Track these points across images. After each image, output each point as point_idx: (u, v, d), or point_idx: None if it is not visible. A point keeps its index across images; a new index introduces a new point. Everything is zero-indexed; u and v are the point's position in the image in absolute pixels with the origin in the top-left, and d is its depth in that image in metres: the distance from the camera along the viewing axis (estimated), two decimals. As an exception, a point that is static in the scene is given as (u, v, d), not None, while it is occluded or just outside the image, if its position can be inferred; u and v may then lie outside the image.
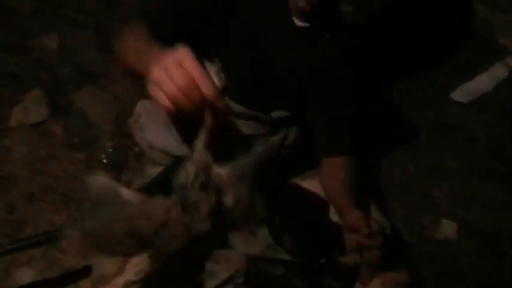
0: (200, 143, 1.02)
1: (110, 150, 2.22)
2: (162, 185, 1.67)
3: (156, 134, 1.82)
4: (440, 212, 2.27)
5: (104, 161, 2.21)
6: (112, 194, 1.05)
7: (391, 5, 2.72)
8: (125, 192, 1.05)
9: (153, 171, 1.84)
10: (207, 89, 0.97)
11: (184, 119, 1.02)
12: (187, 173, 1.02)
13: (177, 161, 1.22)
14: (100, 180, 1.06)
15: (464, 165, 2.36)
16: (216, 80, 1.03)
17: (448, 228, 2.23)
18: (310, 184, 1.79)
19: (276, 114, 1.72)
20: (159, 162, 1.85)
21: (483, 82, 2.54)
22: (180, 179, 1.03)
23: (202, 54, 1.47)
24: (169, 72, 0.97)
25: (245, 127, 1.69)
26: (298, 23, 1.57)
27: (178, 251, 1.04)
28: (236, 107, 1.66)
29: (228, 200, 1.07)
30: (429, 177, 2.33)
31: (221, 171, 1.04)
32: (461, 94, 2.50)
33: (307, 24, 1.57)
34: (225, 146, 1.07)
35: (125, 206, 1.04)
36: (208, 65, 1.02)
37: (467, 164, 2.36)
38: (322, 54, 1.63)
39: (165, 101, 0.97)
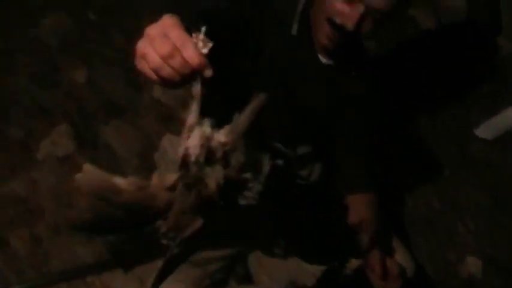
0: (193, 115, 0.98)
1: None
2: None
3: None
4: (465, 249, 2.25)
5: (130, 195, 2.23)
6: (106, 186, 1.01)
7: (416, 40, 2.74)
8: (119, 181, 1.00)
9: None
10: (190, 56, 0.93)
11: (173, 88, 0.99)
12: (187, 149, 0.97)
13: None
14: (90, 174, 1.02)
15: (489, 201, 2.35)
16: (201, 45, 0.96)
17: (473, 265, 2.21)
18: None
19: (301, 150, 1.72)
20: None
21: (508, 118, 2.52)
22: (180, 156, 0.98)
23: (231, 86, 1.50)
24: (153, 42, 0.93)
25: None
26: (323, 59, 1.58)
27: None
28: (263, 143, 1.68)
29: (234, 162, 1.01)
30: (454, 213, 2.32)
31: (221, 137, 0.99)
32: (485, 130, 2.49)
33: (331, 61, 1.59)
34: (222, 109, 1.03)
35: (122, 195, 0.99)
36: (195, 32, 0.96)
37: (492, 200, 2.35)
38: (347, 90, 1.64)
39: (150, 73, 0.95)
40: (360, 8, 1.35)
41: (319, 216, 1.78)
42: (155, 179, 1.00)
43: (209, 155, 0.97)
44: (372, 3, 1.34)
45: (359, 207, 1.72)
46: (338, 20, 1.39)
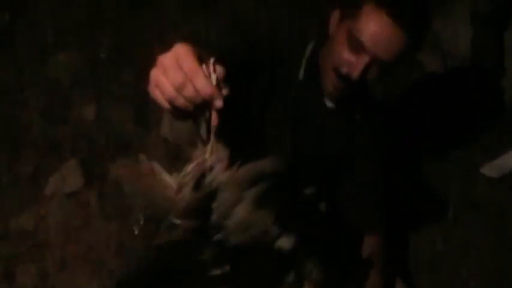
0: (199, 140, 0.99)
1: (142, 221, 2.26)
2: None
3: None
4: (470, 290, 2.25)
5: (136, 232, 2.24)
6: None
7: (421, 82, 2.78)
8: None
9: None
10: (202, 87, 0.92)
11: (184, 118, 1.00)
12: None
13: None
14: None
15: (494, 244, 2.34)
16: (213, 76, 0.96)
17: (477, 308, 2.21)
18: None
19: (307, 192, 1.74)
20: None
21: (512, 159, 2.55)
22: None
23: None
24: (166, 72, 0.94)
25: None
26: (329, 104, 1.61)
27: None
28: None
29: (221, 208, 1.02)
30: (458, 255, 2.31)
31: (222, 176, 1.00)
32: (491, 169, 2.50)
33: (337, 106, 1.61)
34: (237, 145, 1.03)
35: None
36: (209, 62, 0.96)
37: (497, 242, 2.34)
38: (352, 135, 1.66)
39: (163, 102, 0.95)
40: (366, 59, 1.39)
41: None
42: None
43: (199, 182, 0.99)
44: (377, 54, 1.38)
45: (364, 248, 1.73)
46: (344, 70, 1.43)
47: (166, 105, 0.95)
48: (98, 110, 2.59)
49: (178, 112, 0.97)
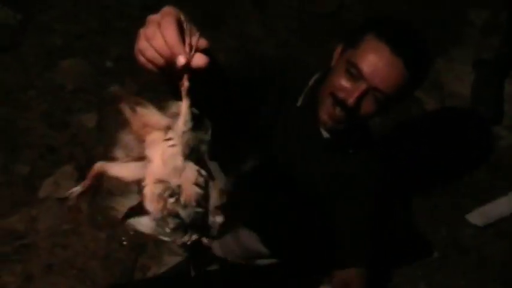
0: (182, 121, 0.96)
1: (131, 233, 2.28)
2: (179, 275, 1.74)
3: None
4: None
5: (124, 242, 2.26)
6: None
7: (418, 120, 2.82)
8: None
9: (170, 260, 1.90)
10: (168, 37, 0.90)
11: (161, 79, 0.99)
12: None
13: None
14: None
15: (474, 288, 2.37)
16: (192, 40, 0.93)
17: None
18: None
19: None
20: (176, 252, 1.91)
21: (501, 206, 2.56)
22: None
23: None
24: (149, 39, 0.92)
25: None
26: (325, 134, 1.62)
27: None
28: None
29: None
30: (440, 299, 2.34)
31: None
32: (477, 217, 2.52)
33: (331, 136, 1.63)
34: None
35: None
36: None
37: (477, 287, 2.37)
38: (343, 167, 1.68)
39: (150, 67, 0.95)
40: (363, 86, 1.42)
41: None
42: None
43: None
44: (375, 82, 1.41)
45: (347, 283, 1.74)
46: (340, 95, 1.46)
47: (147, 65, 0.95)
48: (99, 118, 2.62)
49: (150, 66, 0.95)
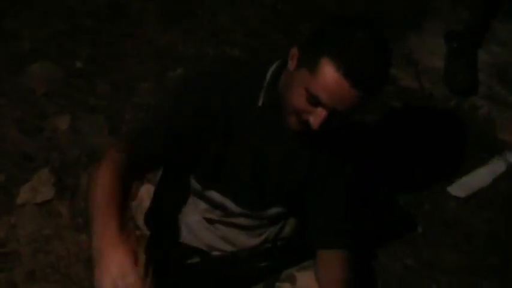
0: None
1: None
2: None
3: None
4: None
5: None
6: None
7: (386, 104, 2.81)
8: None
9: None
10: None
11: None
12: None
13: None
14: None
15: (462, 261, 2.36)
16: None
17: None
18: (307, 276, 1.80)
19: (273, 211, 1.75)
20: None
21: (481, 177, 2.56)
22: None
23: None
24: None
25: (242, 222, 1.74)
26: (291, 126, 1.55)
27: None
28: (234, 208, 1.71)
29: None
30: (428, 272, 2.32)
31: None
32: (458, 188, 2.52)
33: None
34: None
35: None
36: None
37: (465, 259, 2.36)
38: (319, 153, 1.64)
39: None
40: (324, 112, 1.38)
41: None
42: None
43: None
44: (337, 108, 1.37)
45: (330, 266, 1.71)
46: (304, 117, 1.42)
47: None
48: (72, 121, 2.59)
49: None
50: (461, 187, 2.53)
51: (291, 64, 1.45)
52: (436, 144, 2.68)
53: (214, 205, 1.71)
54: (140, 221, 2.01)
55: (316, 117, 1.40)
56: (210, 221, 1.75)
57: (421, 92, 2.91)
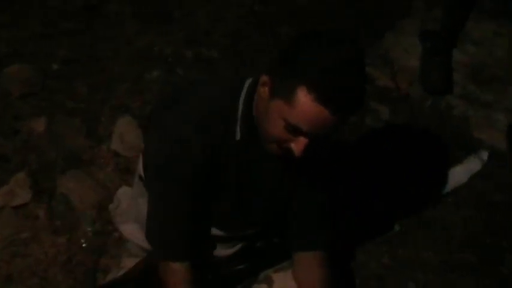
0: None
1: (91, 235, 2.25)
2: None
3: (131, 229, 1.88)
4: (416, 306, 2.29)
5: (84, 245, 2.23)
6: None
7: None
8: None
9: (129, 262, 1.89)
10: None
11: None
12: None
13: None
14: None
15: (439, 258, 2.37)
16: None
17: (421, 323, 2.24)
18: (284, 277, 1.81)
19: (252, 231, 1.77)
20: (135, 254, 1.90)
21: (457, 175, 2.59)
22: None
23: None
24: None
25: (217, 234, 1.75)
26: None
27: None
28: (215, 231, 1.72)
29: None
30: (405, 270, 2.33)
31: None
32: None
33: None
34: None
35: None
36: None
37: (442, 257, 2.37)
38: (303, 170, 1.62)
39: None
40: (305, 140, 1.36)
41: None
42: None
43: None
44: (318, 134, 1.34)
45: (308, 267, 1.72)
46: (284, 145, 1.40)
47: None
48: (49, 123, 2.58)
49: None
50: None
51: (263, 91, 1.40)
52: (412, 144, 2.70)
53: None
54: (118, 222, 2.01)
55: (298, 145, 1.36)
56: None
57: (397, 91, 2.93)
